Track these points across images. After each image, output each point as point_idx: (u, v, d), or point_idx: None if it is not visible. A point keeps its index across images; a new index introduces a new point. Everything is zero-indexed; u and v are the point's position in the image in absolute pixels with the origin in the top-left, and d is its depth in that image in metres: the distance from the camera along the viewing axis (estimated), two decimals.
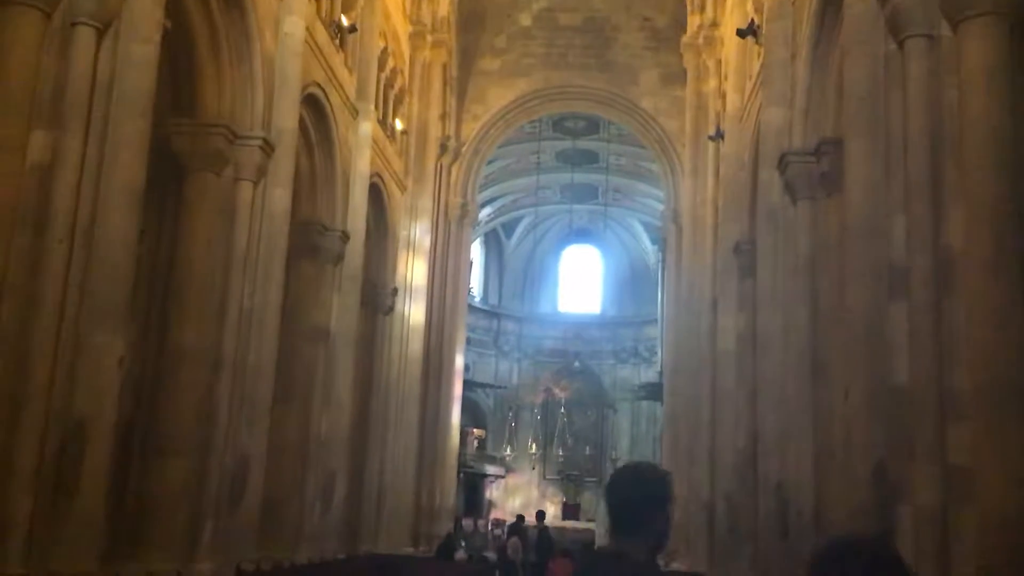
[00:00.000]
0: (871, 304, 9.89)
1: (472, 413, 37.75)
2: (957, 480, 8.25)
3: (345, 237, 19.65)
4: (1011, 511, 7.47)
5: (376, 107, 22.52)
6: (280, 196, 15.84)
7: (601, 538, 28.35)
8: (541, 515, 20.58)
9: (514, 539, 17.79)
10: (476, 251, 39.26)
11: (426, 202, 27.71)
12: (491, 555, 25.82)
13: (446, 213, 29.53)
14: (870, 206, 10.12)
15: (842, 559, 1.65)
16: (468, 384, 34.55)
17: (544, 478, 40.57)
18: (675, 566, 22.23)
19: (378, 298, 24.22)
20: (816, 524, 12.38)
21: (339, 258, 19.57)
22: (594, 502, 39.53)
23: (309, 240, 18.66)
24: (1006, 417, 7.83)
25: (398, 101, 25.40)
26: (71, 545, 10.04)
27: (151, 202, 13.49)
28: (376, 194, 23.45)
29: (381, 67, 23.15)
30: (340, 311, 19.83)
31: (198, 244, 14.05)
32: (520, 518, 21.73)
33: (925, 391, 8.72)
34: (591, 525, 33.43)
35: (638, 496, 2.78)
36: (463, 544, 27.82)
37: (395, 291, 25.13)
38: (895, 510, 9.08)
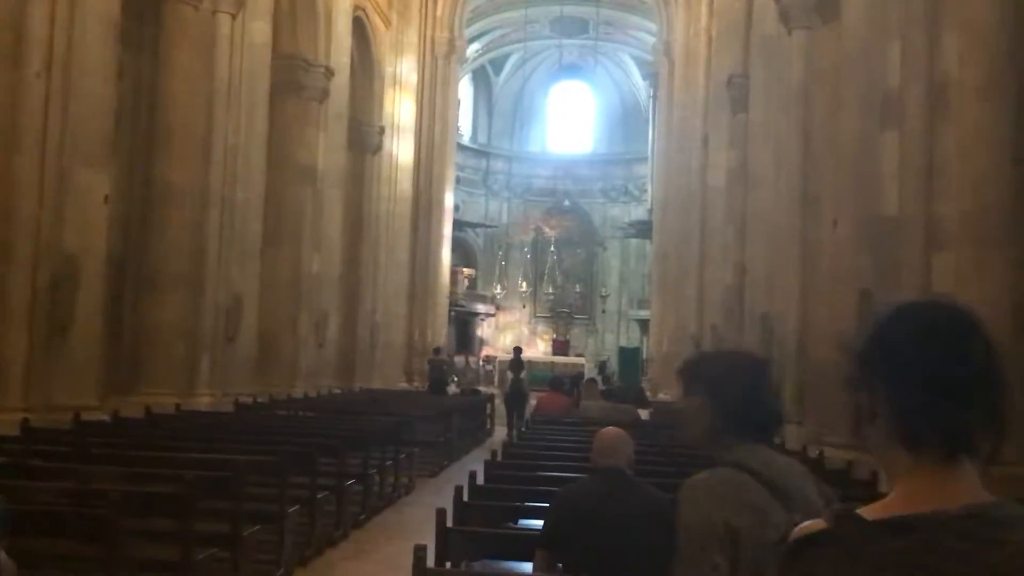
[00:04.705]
0: (863, 134, 9.80)
1: (462, 252, 37.94)
2: None
3: (329, 73, 19.21)
4: None
5: None
6: (260, 29, 15.39)
7: (591, 372, 29.04)
8: (517, 351, 21.51)
9: (525, 372, 18.87)
10: (464, 88, 38.48)
11: (411, 37, 26.98)
12: (483, 389, 26.54)
13: (432, 49, 28.75)
14: (866, 33, 9.88)
15: (899, 313, 1.53)
16: (458, 223, 34.56)
17: (534, 315, 41.20)
18: (661, 396, 22.91)
19: (365, 137, 23.92)
20: (800, 352, 12.67)
21: (324, 95, 19.19)
22: (583, 338, 40.30)
23: (292, 76, 18.25)
24: (990, 246, 7.89)
25: None
26: (70, 379, 10.26)
27: (129, 37, 13.11)
28: (360, 29, 22.79)
29: None
30: (327, 150, 19.61)
31: (179, 79, 13.75)
32: (517, 350, 22.62)
33: (913, 220, 8.75)
34: (580, 360, 34.21)
35: None
36: (455, 379, 28.51)
37: (382, 130, 24.80)
38: None
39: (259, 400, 14.73)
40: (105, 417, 10.32)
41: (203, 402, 13.48)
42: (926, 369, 1.36)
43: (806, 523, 1.43)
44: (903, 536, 1.29)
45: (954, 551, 1.26)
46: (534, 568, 4.21)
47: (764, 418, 2.36)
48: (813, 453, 9.56)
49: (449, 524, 5.14)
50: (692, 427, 2.41)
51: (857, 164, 9.95)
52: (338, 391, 20.08)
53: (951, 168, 8.27)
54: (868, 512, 1.37)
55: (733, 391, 2.34)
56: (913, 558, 1.27)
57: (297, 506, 7.56)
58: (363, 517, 9.66)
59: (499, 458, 8.33)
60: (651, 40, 31.83)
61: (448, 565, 4.88)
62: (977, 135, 7.97)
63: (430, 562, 4.52)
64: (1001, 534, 1.26)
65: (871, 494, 6.90)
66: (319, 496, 8.15)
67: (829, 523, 1.38)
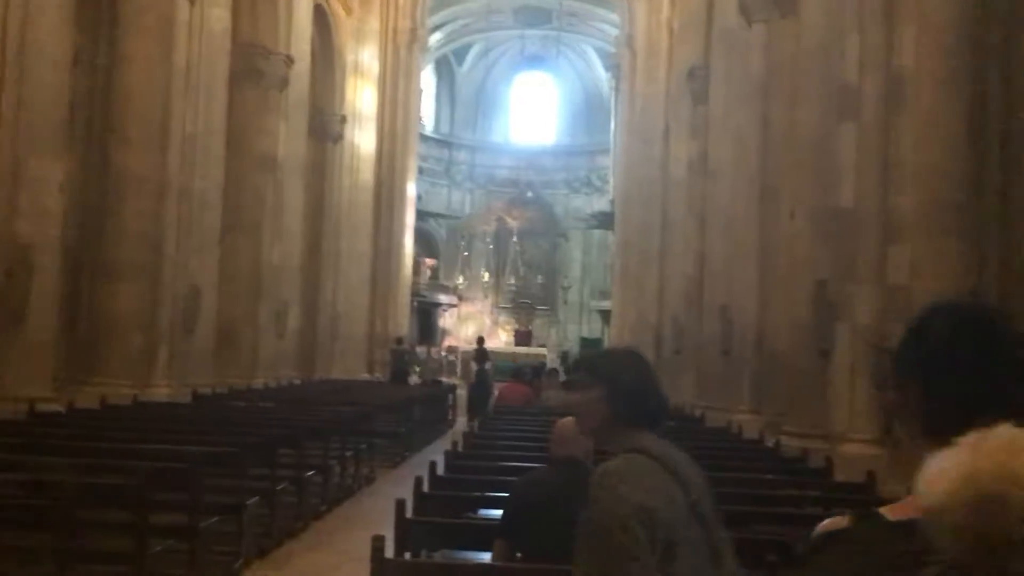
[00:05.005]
0: (821, 126, 9.91)
1: (425, 243, 37.79)
2: (894, 299, 8.52)
3: (289, 61, 19.03)
4: None
5: None
6: (219, 16, 15.22)
7: (553, 363, 29.13)
8: (481, 342, 21.88)
9: (490, 363, 19.39)
10: (427, 78, 38.30)
11: (373, 25, 26.80)
12: (445, 379, 26.56)
13: (394, 38, 28.57)
14: (825, 26, 9.98)
15: (932, 314, 1.57)
16: (420, 214, 34.44)
17: (497, 306, 41.17)
18: None
19: (326, 126, 23.78)
20: (758, 343, 12.80)
21: (284, 83, 19.02)
22: (545, 329, 40.38)
23: (252, 64, 18.05)
24: (944, 237, 8.03)
25: None
26: (24, 370, 10.12)
27: (84, 23, 12.91)
28: (320, 16, 22.61)
29: None
30: (287, 138, 19.44)
31: (136, 67, 13.55)
32: (480, 340, 23.04)
33: (869, 212, 8.88)
34: (542, 350, 34.29)
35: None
36: (417, 370, 28.46)
37: (343, 119, 24.64)
38: (833, 328, 9.39)
39: (218, 391, 14.60)
40: (60, 408, 10.17)
41: (161, 393, 13.33)
42: (957, 367, 1.38)
43: (828, 520, 1.43)
44: (919, 538, 1.30)
45: None
46: (493, 558, 4.23)
47: (656, 409, 2.58)
48: (770, 442, 9.68)
49: (409, 515, 5.13)
50: (589, 418, 2.59)
51: (815, 156, 10.05)
52: (298, 382, 19.97)
53: (907, 160, 8.40)
54: (890, 512, 1.37)
55: (629, 383, 2.54)
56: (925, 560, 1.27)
57: (256, 497, 7.51)
58: (324, 508, 9.62)
59: (460, 448, 8.34)
60: (614, 31, 31.89)
61: (408, 556, 4.88)
62: (932, 128, 8.10)
63: (389, 553, 4.51)
64: None
65: (825, 481, 7.01)
66: (279, 487, 8.11)
67: (850, 522, 1.38)
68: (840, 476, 7.33)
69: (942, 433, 1.34)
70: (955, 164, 7.94)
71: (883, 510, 1.38)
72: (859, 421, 8.77)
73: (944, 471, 0.76)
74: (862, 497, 6.38)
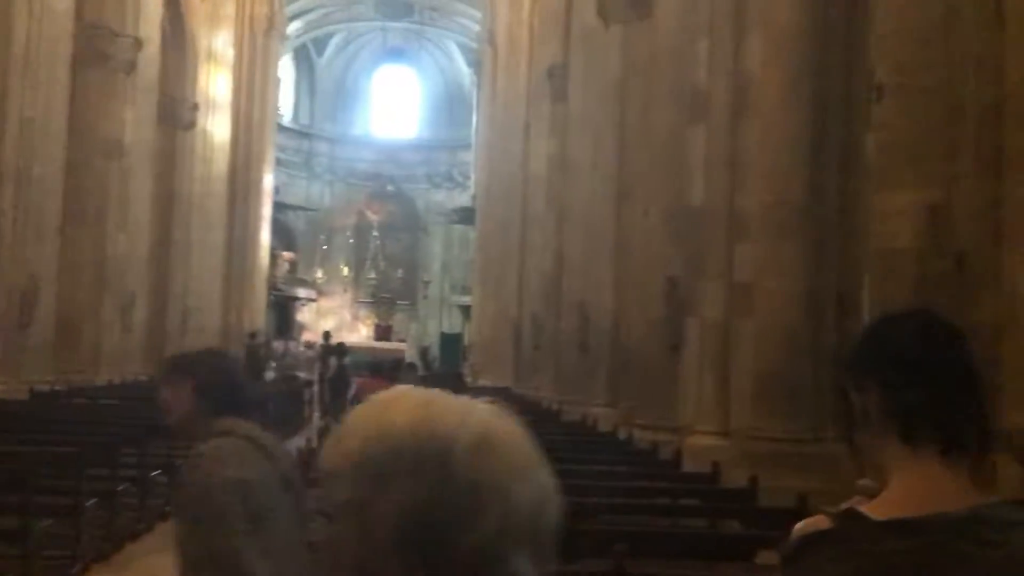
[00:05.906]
0: (673, 127, 10.18)
1: (283, 235, 36.96)
2: (740, 295, 8.84)
3: (137, 44, 18.26)
4: (784, 324, 8.12)
5: None
6: None
7: (412, 358, 29.01)
8: (327, 336, 21.79)
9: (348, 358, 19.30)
10: (285, 68, 37.46)
11: (228, 10, 26.05)
12: (302, 374, 26.09)
13: (251, 24, 27.84)
14: (678, 29, 10.25)
15: (891, 319, 1.59)
16: (278, 206, 33.70)
17: (357, 301, 40.70)
18: (482, 382, 23.13)
19: (177, 112, 22.95)
20: (613, 338, 13.07)
21: (131, 67, 18.22)
22: (406, 324, 40.17)
23: (96, 46, 17.22)
24: (786, 237, 8.38)
25: None
26: None
27: None
28: None
29: None
30: (134, 124, 18.64)
31: None
32: (327, 335, 22.76)
33: (717, 211, 9.18)
34: (402, 345, 34.09)
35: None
36: (273, 365, 27.84)
37: (196, 106, 23.86)
38: (684, 323, 9.68)
39: (57, 388, 13.91)
40: None
41: None
42: (926, 367, 1.42)
43: (805, 522, 1.43)
44: (911, 537, 1.31)
45: (960, 553, 1.29)
46: None
47: (242, 398, 2.86)
48: (623, 435, 9.90)
49: None
50: (176, 410, 2.81)
51: (668, 156, 10.32)
52: (145, 378, 19.20)
53: (752, 162, 8.72)
54: (872, 511, 1.38)
55: (213, 376, 2.81)
56: (920, 559, 1.30)
57: (95, 499, 7.18)
58: (169, 509, 9.28)
59: (314, 444, 8.19)
60: (476, 27, 31.97)
61: None
62: (775, 132, 8.43)
63: None
64: (1003, 536, 1.31)
65: (673, 472, 7.21)
66: (120, 488, 7.78)
67: (834, 522, 1.39)
68: (688, 467, 7.56)
69: (915, 432, 1.40)
70: (797, 166, 8.28)
71: (863, 509, 1.39)
72: (706, 414, 9.05)
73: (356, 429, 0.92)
74: (709, 487, 6.61)
